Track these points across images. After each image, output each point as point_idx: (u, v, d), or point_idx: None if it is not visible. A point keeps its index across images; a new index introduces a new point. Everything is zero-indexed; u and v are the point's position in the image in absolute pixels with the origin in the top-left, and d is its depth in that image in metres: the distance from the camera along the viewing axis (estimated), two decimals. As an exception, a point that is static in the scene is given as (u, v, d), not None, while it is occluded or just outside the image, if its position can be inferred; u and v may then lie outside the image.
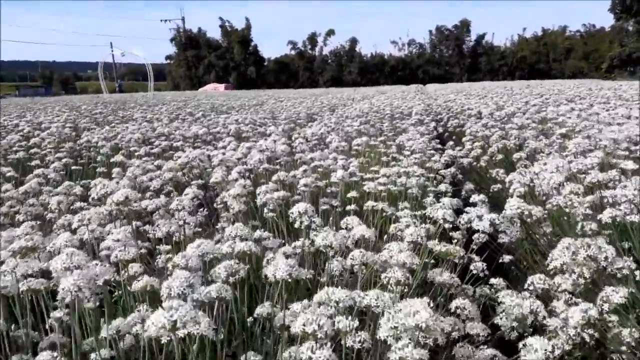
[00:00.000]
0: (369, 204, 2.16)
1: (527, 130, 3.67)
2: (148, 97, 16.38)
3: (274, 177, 2.18)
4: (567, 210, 1.66)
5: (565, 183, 1.77)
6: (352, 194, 2.41)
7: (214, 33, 55.09)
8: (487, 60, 48.11)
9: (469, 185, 3.32)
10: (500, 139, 3.71)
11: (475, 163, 3.82)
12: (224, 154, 2.94)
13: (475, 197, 1.84)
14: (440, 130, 7.08)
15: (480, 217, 1.63)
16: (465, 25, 50.00)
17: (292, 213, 1.53)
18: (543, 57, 46.47)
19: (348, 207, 2.35)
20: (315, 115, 8.36)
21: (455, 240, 1.80)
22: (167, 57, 53.71)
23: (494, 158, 3.55)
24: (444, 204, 1.75)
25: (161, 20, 53.25)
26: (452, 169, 3.75)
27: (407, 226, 1.66)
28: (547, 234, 1.89)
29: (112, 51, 38.82)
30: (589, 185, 1.76)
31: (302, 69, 50.14)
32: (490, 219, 1.61)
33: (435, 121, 8.21)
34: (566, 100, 7.05)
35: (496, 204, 3.42)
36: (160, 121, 5.85)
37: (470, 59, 48.78)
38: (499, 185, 2.83)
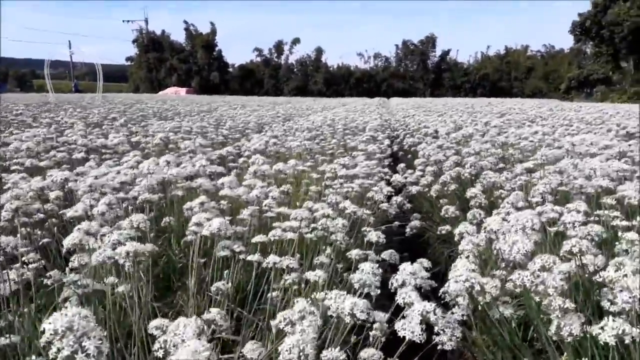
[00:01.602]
0: (271, 260, 1.58)
1: (486, 158, 3.17)
2: (96, 98, 15.45)
3: (136, 219, 1.54)
4: (536, 298, 1.12)
5: (536, 249, 1.23)
6: (259, 238, 1.83)
7: (178, 36, 53.91)
8: (450, 76, 48.58)
9: (415, 222, 2.79)
10: (455, 166, 3.20)
11: (427, 190, 3.31)
12: (115, 173, 2.32)
13: (404, 270, 1.26)
14: (396, 148, 6.60)
15: (410, 305, 1.07)
16: (431, 41, 50.41)
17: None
18: (505, 75, 47.24)
19: (250, 257, 1.77)
20: (265, 126, 7.79)
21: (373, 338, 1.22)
22: (128, 59, 52.19)
23: (446, 188, 3.03)
24: (361, 280, 1.18)
25: (123, 21, 51.79)
26: (399, 198, 3.23)
27: (302, 317, 1.07)
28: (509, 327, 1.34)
29: (71, 50, 37.34)
30: (566, 256, 1.23)
31: (267, 77, 49.48)
32: (423, 313, 1.05)
33: (391, 138, 7.77)
34: (528, 121, 6.68)
35: (449, 240, 2.91)
36: (73, 127, 5.11)
37: (434, 74, 49.16)
38: (448, 227, 2.30)
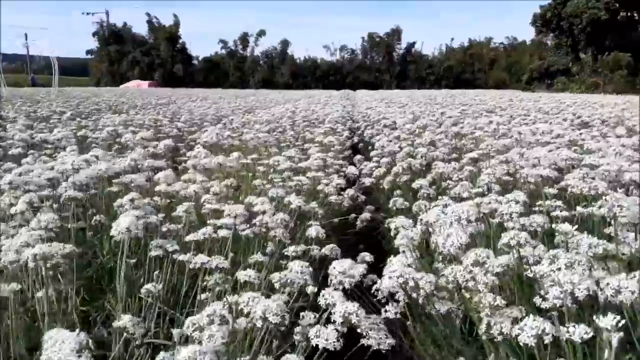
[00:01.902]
0: (198, 260, 1.47)
1: (439, 148, 3.12)
2: (52, 92, 14.92)
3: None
4: (466, 295, 1.06)
5: (470, 243, 1.17)
6: (193, 236, 1.72)
7: (141, 29, 52.57)
8: (415, 68, 48.91)
9: (366, 215, 2.72)
10: (407, 157, 3.14)
11: (380, 181, 3.24)
12: None
13: (334, 268, 1.17)
14: (356, 140, 6.55)
15: (329, 312, 0.99)
16: (396, 33, 50.61)
17: None
18: (468, 68, 47.85)
19: (182, 257, 1.66)
20: (224, 118, 7.63)
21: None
22: (88, 52, 50.73)
23: (398, 180, 2.97)
24: (282, 280, 1.09)
25: (83, 13, 50.21)
26: (351, 191, 3.16)
27: (211, 322, 0.97)
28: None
29: (26, 42, 35.89)
30: (505, 249, 1.17)
31: (233, 69, 48.85)
32: (345, 314, 0.97)
33: (352, 130, 7.70)
34: (486, 111, 6.71)
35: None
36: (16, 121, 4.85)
37: (400, 66, 49.40)
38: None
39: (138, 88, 32.27)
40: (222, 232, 1.63)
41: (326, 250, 1.69)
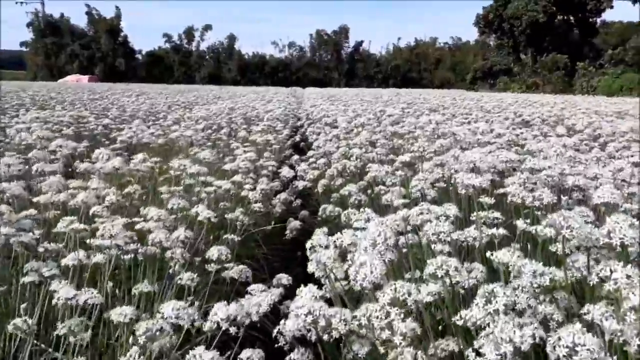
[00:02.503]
0: (62, 293, 1.17)
1: (376, 149, 2.91)
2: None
3: None
4: (381, 349, 0.82)
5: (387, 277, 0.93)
6: (70, 259, 1.41)
7: (80, 21, 50.37)
8: (363, 67, 49.20)
9: (295, 223, 2.47)
10: (343, 158, 2.92)
11: (314, 184, 3.00)
12: None
13: (214, 314, 0.90)
14: (298, 138, 6.30)
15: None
16: (344, 31, 50.71)
17: None
18: (415, 67, 48.58)
19: (54, 286, 1.35)
20: (158, 114, 7.22)
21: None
22: (22, 44, 48.05)
23: (332, 183, 2.74)
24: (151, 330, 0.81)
25: (17, 3, 47.43)
26: (283, 195, 2.90)
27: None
28: None
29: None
30: (430, 280, 0.93)
31: (178, 64, 47.52)
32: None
33: (296, 128, 7.44)
34: (429, 110, 6.61)
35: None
36: None
37: (348, 64, 49.56)
38: (324, 229, 1.99)
39: (77, 83, 30.82)
40: (98, 257, 1.33)
41: (233, 273, 1.43)
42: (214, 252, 1.35)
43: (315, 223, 2.85)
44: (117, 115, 6.37)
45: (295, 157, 4.05)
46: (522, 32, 34.21)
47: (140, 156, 1.99)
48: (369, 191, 2.37)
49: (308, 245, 1.25)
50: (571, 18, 35.16)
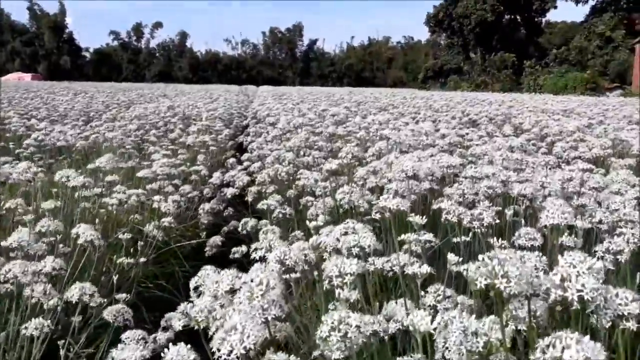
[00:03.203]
0: None
1: (313, 152, 2.66)
2: None
3: None
4: None
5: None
6: None
7: (20, 16, 48.01)
8: (318, 65, 49.07)
9: (215, 239, 2.19)
10: (276, 162, 2.66)
11: (244, 192, 2.73)
12: None
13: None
14: (242, 139, 5.99)
15: None
16: (298, 29, 50.42)
17: None
18: (368, 66, 48.83)
19: None
20: (94, 113, 6.78)
21: None
22: (-42, 40, 45.41)
23: (264, 190, 2.47)
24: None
25: (-51, -5, 44.75)
26: (207, 205, 2.62)
27: None
28: None
29: None
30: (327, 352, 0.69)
31: (126, 62, 46.04)
32: None
33: (243, 128, 7.12)
34: (378, 109, 6.44)
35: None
36: None
37: (303, 63, 49.31)
38: (242, 249, 1.73)
39: (19, 81, 29.31)
40: None
41: (108, 314, 1.14)
42: (73, 294, 1.06)
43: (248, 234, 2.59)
44: (45, 115, 5.90)
45: (232, 160, 3.75)
46: (471, 31, 34.83)
47: (23, 164, 1.66)
48: (303, 200, 2.13)
49: (192, 284, 0.99)
50: (518, 17, 36.07)
